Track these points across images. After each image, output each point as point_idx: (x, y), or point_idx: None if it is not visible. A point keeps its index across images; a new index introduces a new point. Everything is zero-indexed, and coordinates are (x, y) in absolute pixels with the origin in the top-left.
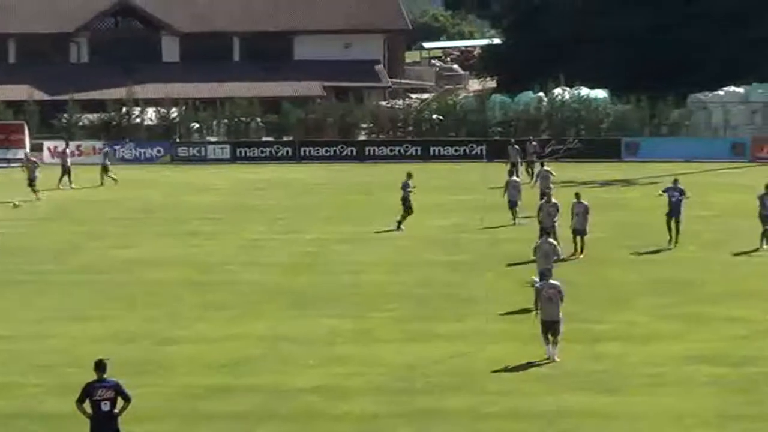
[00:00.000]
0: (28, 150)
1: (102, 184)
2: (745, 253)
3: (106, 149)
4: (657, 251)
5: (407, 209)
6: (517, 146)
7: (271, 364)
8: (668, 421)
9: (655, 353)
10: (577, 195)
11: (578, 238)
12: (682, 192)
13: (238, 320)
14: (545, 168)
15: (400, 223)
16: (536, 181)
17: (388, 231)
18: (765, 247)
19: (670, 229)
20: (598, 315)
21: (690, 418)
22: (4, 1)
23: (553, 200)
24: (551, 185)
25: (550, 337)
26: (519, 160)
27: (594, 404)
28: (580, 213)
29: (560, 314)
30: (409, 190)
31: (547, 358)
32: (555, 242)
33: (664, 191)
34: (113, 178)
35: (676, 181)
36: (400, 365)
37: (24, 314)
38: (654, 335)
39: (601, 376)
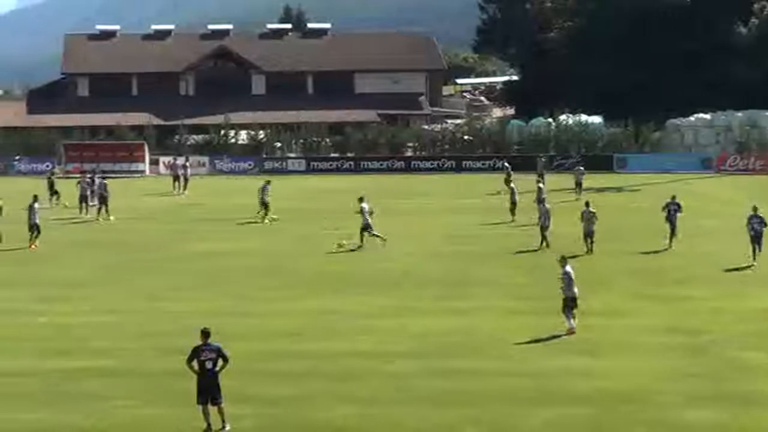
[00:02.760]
0: (178, 160)
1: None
2: (705, 246)
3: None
4: (636, 245)
5: None
6: (543, 159)
7: (321, 333)
8: (635, 376)
9: (628, 325)
10: (586, 203)
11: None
12: (679, 206)
13: (295, 299)
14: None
15: None
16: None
17: (419, 225)
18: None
19: (672, 233)
20: (585, 295)
21: (652, 374)
22: (129, 49)
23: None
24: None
25: (574, 311)
26: (544, 171)
27: (579, 365)
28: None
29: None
30: None
31: (570, 330)
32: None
33: (664, 207)
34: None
35: (674, 197)
36: (423, 334)
37: (129, 293)
38: (628, 311)
39: (586, 344)
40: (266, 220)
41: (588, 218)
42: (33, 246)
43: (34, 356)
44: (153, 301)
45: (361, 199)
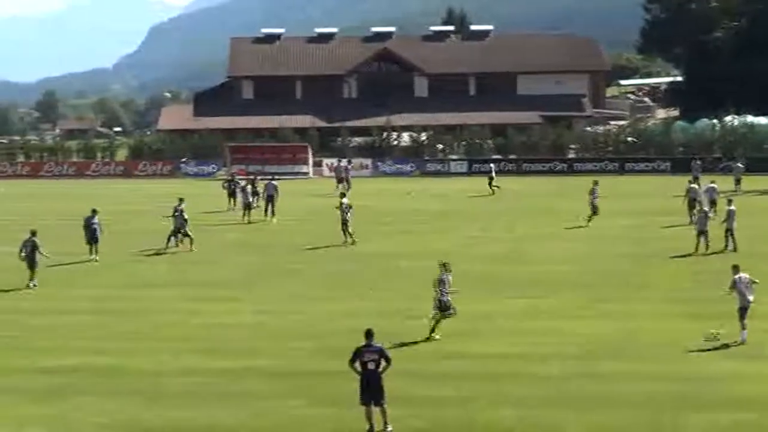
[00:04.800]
0: (341, 162)
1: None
2: None
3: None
4: None
5: None
6: (699, 161)
7: (480, 334)
8: None
9: None
10: (728, 200)
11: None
12: None
13: (457, 301)
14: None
15: None
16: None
17: (583, 228)
18: None
19: None
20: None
21: None
22: (294, 52)
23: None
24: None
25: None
26: (699, 174)
27: (740, 369)
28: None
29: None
30: None
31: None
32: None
33: None
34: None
35: None
36: (587, 336)
37: (290, 293)
38: None
39: (748, 348)
40: (589, 223)
41: (729, 216)
42: (181, 246)
43: (195, 355)
44: (315, 302)
45: (342, 195)
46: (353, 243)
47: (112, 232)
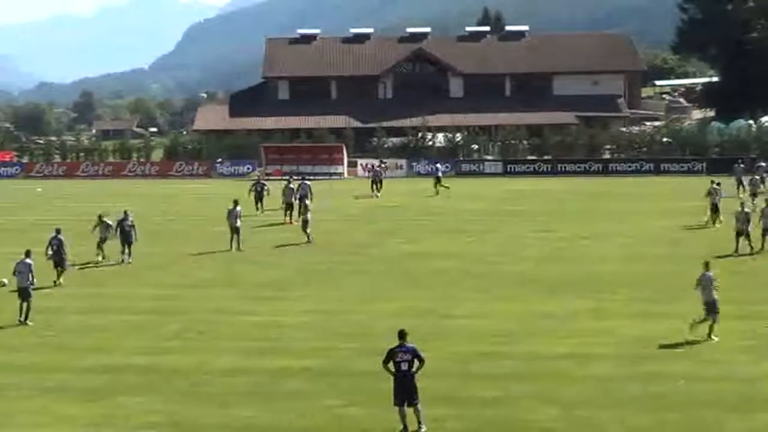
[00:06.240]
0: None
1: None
2: None
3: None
4: None
5: None
6: (742, 165)
7: (522, 335)
8: None
9: None
10: (766, 200)
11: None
12: None
13: (499, 301)
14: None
15: None
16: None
17: (619, 230)
18: None
19: None
20: None
21: None
22: (329, 52)
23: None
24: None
25: None
26: (742, 177)
27: None
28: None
29: None
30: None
31: None
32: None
33: None
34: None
35: None
36: (631, 337)
37: (333, 294)
38: None
39: None
40: (716, 224)
41: (764, 215)
42: (238, 248)
43: (245, 355)
44: (357, 302)
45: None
46: (309, 241)
47: (157, 232)
